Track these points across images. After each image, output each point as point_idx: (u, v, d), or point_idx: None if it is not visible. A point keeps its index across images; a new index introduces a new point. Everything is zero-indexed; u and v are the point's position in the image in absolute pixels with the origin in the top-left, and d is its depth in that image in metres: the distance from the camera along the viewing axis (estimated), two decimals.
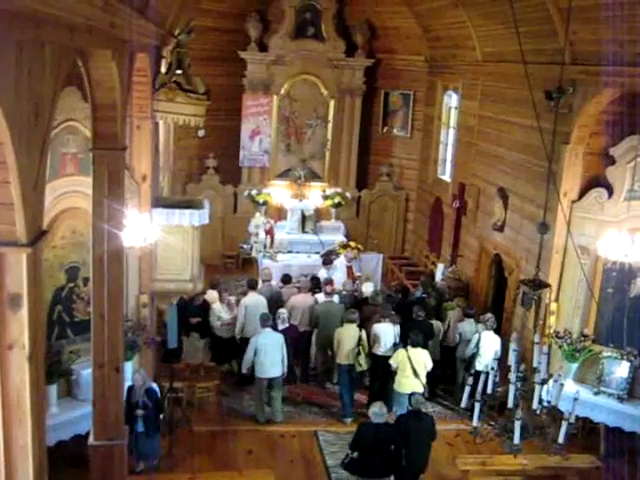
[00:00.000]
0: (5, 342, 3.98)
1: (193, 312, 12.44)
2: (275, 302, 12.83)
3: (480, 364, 11.48)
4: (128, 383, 9.76)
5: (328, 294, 12.96)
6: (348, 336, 11.67)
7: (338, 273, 14.88)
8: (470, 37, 14.91)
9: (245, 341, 11.84)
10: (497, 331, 12.02)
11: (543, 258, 11.00)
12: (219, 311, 12.69)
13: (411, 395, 10.17)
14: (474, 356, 11.71)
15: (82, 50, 5.77)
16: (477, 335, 11.72)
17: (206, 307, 12.68)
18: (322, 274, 14.48)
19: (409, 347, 11.16)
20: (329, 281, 13.50)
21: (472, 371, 11.43)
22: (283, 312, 12.15)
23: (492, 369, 7.05)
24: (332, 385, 12.77)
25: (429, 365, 11.22)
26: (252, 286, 12.97)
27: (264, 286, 13.42)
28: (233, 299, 13.11)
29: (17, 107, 3.56)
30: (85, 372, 9.28)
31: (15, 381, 4.04)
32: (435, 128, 18.31)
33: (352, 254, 15.90)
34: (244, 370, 11.51)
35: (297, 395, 12.45)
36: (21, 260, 3.91)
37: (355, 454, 9.02)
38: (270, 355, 11.20)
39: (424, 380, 11.16)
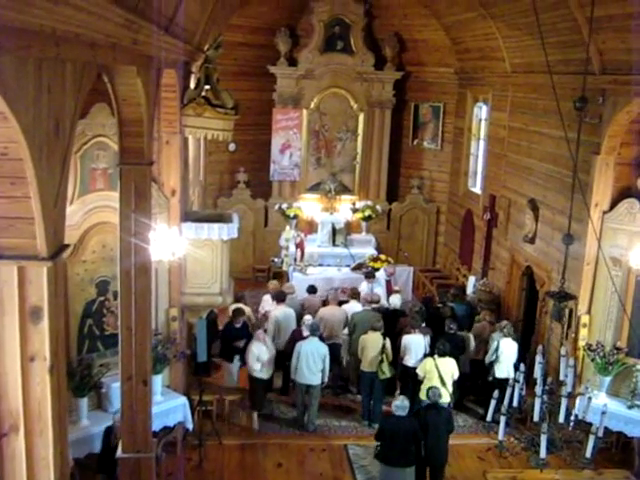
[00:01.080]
0: (26, 354, 4.04)
1: (236, 335, 12.09)
2: (299, 314, 13.02)
3: (500, 371, 11.57)
4: (157, 397, 9.85)
5: (368, 302, 13.25)
6: (372, 344, 11.76)
7: (379, 287, 14.90)
8: (499, 48, 14.86)
9: (279, 354, 12.14)
10: (528, 344, 11.91)
11: (574, 270, 10.95)
12: (258, 351, 11.53)
13: (429, 388, 10.24)
14: (493, 364, 11.69)
15: (107, 66, 5.86)
16: (496, 343, 11.68)
17: (248, 328, 12.38)
18: (364, 287, 14.54)
19: (436, 356, 11.16)
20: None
21: (491, 378, 11.45)
22: (308, 319, 12.29)
23: (517, 382, 6.98)
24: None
25: (456, 374, 11.22)
26: (281, 299, 13.00)
27: (288, 299, 13.43)
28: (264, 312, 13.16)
29: (36, 123, 3.62)
30: (115, 385, 9.34)
31: (36, 392, 4.09)
32: (465, 140, 18.25)
33: (391, 269, 15.93)
34: (292, 376, 11.75)
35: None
36: (42, 273, 3.97)
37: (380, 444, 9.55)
38: (311, 363, 11.43)
39: (451, 389, 11.13)
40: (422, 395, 11.06)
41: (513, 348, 11.73)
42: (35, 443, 4.11)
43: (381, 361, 11.64)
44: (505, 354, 11.64)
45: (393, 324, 12.81)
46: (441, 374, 10.98)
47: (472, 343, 12.41)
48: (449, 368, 11.11)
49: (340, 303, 13.78)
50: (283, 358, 12.24)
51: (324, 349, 11.58)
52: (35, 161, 3.61)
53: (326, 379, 11.77)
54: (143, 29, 5.63)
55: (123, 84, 6.53)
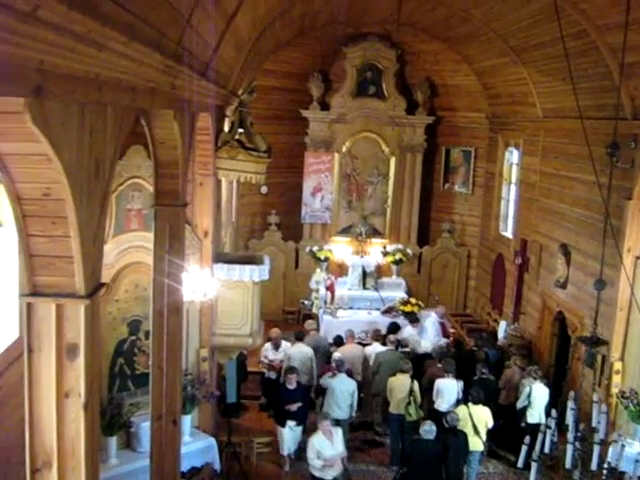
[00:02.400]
0: (62, 390, 4.11)
1: (289, 397, 11.43)
2: (323, 351, 13.34)
3: (532, 417, 11.44)
4: (186, 437, 9.85)
5: (392, 342, 13.27)
6: (400, 386, 11.80)
7: (429, 331, 14.87)
8: (530, 93, 14.94)
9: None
10: (559, 390, 11.75)
11: (607, 315, 10.84)
12: (320, 446, 10.08)
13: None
14: (525, 409, 11.53)
15: (145, 110, 6.02)
16: (528, 388, 11.54)
17: (303, 391, 11.78)
18: (408, 331, 14.57)
19: (470, 404, 11.01)
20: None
21: (523, 424, 11.30)
22: (337, 355, 12.51)
23: (549, 428, 6.90)
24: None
25: (490, 423, 11.04)
26: (299, 338, 13.26)
27: (309, 336, 13.65)
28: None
29: (78, 165, 3.74)
30: (144, 424, 9.37)
31: (70, 429, 4.15)
32: (496, 184, 18.25)
33: (442, 309, 15.86)
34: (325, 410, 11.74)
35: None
36: (79, 311, 4.06)
37: (404, 469, 9.97)
38: (340, 398, 11.62)
39: (484, 437, 10.96)
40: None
41: (545, 393, 11.60)
42: (68, 479, 4.16)
43: (408, 403, 11.61)
44: (537, 399, 11.50)
45: (420, 367, 12.77)
46: (474, 422, 10.84)
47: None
48: (483, 416, 10.97)
49: (363, 346, 13.87)
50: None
51: (352, 385, 11.78)
52: (76, 201, 3.72)
53: (354, 414, 11.97)
54: (181, 74, 5.79)
55: (160, 127, 6.68)
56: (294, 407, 11.34)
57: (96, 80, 3.77)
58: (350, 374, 12.22)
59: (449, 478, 10.04)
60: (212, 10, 6.50)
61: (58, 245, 3.87)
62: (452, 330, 15.57)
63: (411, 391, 11.67)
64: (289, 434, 11.49)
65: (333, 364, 12.29)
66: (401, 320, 15.76)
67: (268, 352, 13.28)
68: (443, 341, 14.28)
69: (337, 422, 11.57)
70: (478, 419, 10.88)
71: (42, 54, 2.87)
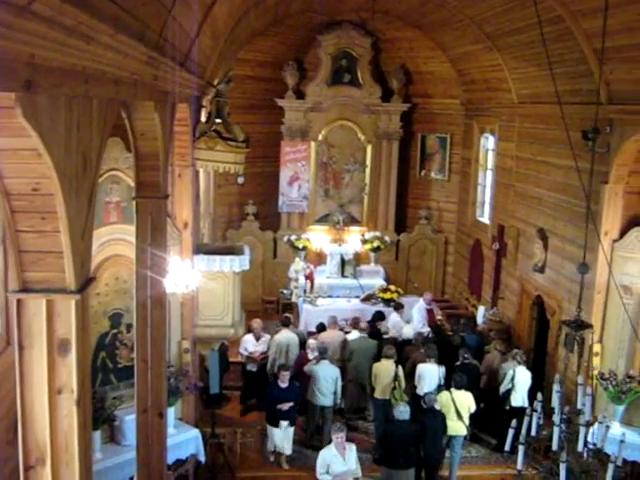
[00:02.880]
0: (54, 387, 4.08)
1: (280, 395, 11.15)
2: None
3: (516, 400, 11.60)
4: (170, 429, 9.82)
5: (363, 330, 13.36)
6: (385, 371, 11.91)
7: (415, 317, 14.99)
8: (505, 79, 15.01)
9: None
10: (541, 373, 11.89)
11: (585, 299, 10.92)
12: (330, 459, 9.60)
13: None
14: (509, 392, 11.67)
15: (126, 102, 5.97)
16: (511, 371, 11.66)
17: (296, 389, 11.46)
18: (393, 318, 14.69)
19: (453, 389, 11.12)
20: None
21: (507, 408, 11.43)
22: (312, 342, 12.66)
23: (535, 411, 6.98)
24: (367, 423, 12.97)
25: (473, 407, 11.15)
26: (285, 324, 13.38)
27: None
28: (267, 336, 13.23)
29: (67, 159, 3.71)
30: (128, 418, 9.35)
31: (63, 425, 4.12)
32: (473, 170, 18.34)
33: (430, 296, 15.97)
34: (308, 397, 11.92)
35: None
36: (70, 307, 4.03)
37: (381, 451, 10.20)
38: (323, 385, 11.71)
39: (467, 422, 11.07)
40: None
41: (527, 376, 11.74)
42: (61, 475, 4.14)
43: (394, 388, 11.73)
44: (520, 382, 11.63)
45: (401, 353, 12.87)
46: (457, 407, 10.93)
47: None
48: (465, 401, 11.06)
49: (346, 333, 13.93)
50: None
51: (336, 371, 11.90)
52: (65, 196, 3.69)
53: (339, 401, 12.08)
54: (162, 65, 5.75)
55: (141, 119, 6.62)
56: (285, 407, 11.11)
57: (82, 73, 3.73)
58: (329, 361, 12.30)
59: (427, 458, 10.34)
60: (192, 0, 6.45)
61: (48, 240, 3.84)
62: (439, 317, 15.64)
63: (396, 376, 11.81)
64: (280, 434, 11.24)
65: (308, 351, 12.47)
66: (382, 307, 15.89)
67: (248, 344, 13.17)
68: (426, 329, 14.35)
69: (323, 409, 11.77)
70: (461, 404, 10.97)
71: (33, 48, 2.84)
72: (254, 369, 13.07)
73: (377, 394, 12.00)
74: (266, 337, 13.26)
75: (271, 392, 11.33)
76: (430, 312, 15.55)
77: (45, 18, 2.70)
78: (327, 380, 11.74)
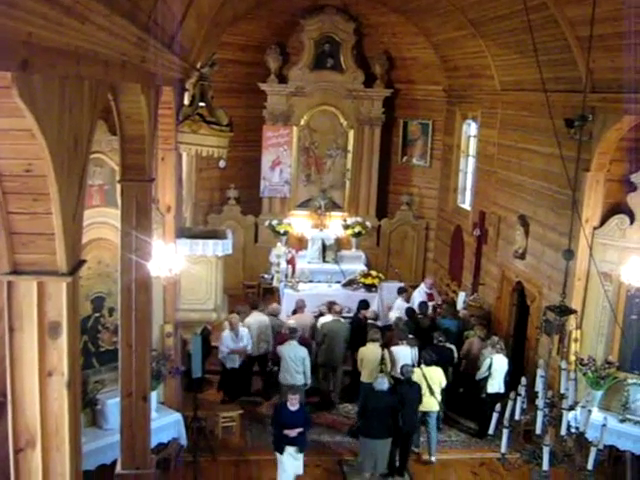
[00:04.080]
0: (45, 369, 4.07)
1: (289, 420, 10.03)
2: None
3: (492, 387, 11.81)
4: (152, 413, 9.81)
5: (337, 313, 13.59)
6: (371, 355, 12.08)
7: (416, 302, 15.04)
8: (488, 66, 15.04)
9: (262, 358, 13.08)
10: (520, 358, 12.03)
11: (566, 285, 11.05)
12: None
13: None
14: (486, 379, 11.84)
15: (113, 84, 5.92)
16: (489, 359, 11.80)
17: (306, 413, 10.55)
18: (399, 303, 14.81)
19: (423, 365, 11.44)
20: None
21: (484, 395, 11.60)
22: (292, 323, 12.94)
23: (519, 395, 7.06)
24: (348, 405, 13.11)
25: (444, 382, 11.49)
26: (254, 307, 13.70)
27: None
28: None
29: (59, 140, 3.68)
30: (110, 402, 9.35)
31: (54, 408, 4.12)
32: (454, 157, 18.39)
33: (431, 280, 16.20)
34: (279, 378, 12.16)
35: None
36: (61, 289, 4.01)
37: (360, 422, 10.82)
38: (292, 365, 11.94)
39: (439, 398, 11.38)
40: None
41: (504, 363, 11.90)
42: (52, 458, 4.13)
43: (380, 371, 11.79)
44: (497, 370, 11.79)
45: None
46: (429, 383, 11.23)
47: (455, 355, 12.65)
48: (436, 377, 11.36)
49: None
50: (262, 363, 13.26)
51: (302, 351, 12.07)
52: (58, 178, 3.66)
53: (309, 381, 12.19)
54: (150, 47, 5.70)
55: (127, 101, 6.59)
56: (294, 433, 9.96)
57: (75, 53, 3.69)
58: (303, 342, 12.56)
59: (405, 425, 10.75)
60: None
61: (40, 222, 3.81)
62: (438, 301, 15.77)
63: (382, 359, 11.98)
64: (289, 462, 10.08)
65: (285, 331, 12.75)
66: (363, 292, 15.99)
67: (228, 341, 12.65)
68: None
69: (292, 387, 11.74)
70: (432, 380, 11.28)
71: (32, 27, 2.81)
72: (236, 365, 12.69)
73: (364, 378, 12.07)
74: (244, 330, 12.90)
75: (279, 416, 10.22)
76: (430, 296, 15.69)
77: None
78: (295, 360, 11.93)
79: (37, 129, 3.30)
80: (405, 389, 10.91)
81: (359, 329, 13.34)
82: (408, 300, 15.08)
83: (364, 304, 14.25)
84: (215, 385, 13.26)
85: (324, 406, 13.03)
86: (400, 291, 15.24)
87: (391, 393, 10.75)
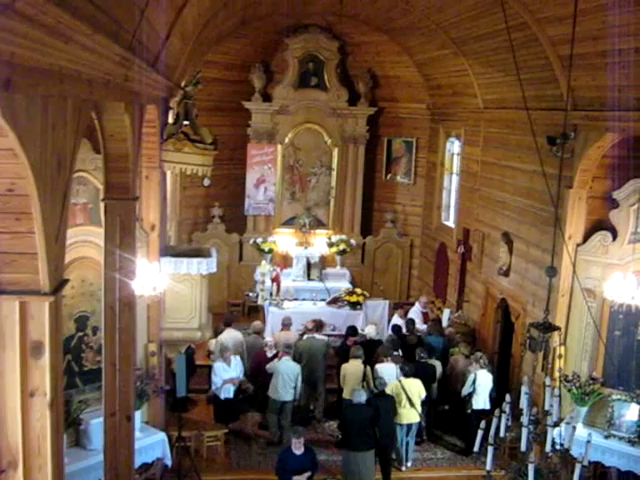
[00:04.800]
0: (27, 389, 4.03)
1: (296, 465, 9.74)
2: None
3: (477, 403, 11.87)
4: (136, 433, 9.74)
5: (310, 331, 13.67)
6: (353, 371, 12.14)
7: (416, 321, 15.02)
8: (471, 85, 15.16)
9: None
10: (504, 375, 12.06)
11: (549, 302, 11.10)
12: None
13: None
14: (471, 395, 11.89)
15: (97, 103, 5.92)
16: (473, 375, 11.84)
17: (313, 456, 10.12)
18: (395, 320, 14.90)
19: (402, 377, 11.55)
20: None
21: (469, 411, 11.63)
22: (269, 340, 13.20)
23: (504, 412, 7.06)
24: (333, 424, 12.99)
25: (423, 394, 11.61)
26: (227, 323, 13.68)
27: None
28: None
29: (42, 160, 3.67)
30: (94, 421, 9.27)
31: (36, 428, 4.08)
32: (438, 174, 18.47)
33: (426, 298, 16.27)
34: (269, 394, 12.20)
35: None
36: (44, 309, 3.99)
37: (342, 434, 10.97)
38: (286, 381, 12.05)
39: (420, 409, 11.52)
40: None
41: (488, 379, 11.94)
42: (34, 479, 4.09)
43: (362, 388, 11.75)
44: (482, 386, 11.83)
45: (370, 354, 12.91)
46: (408, 395, 11.36)
47: (439, 370, 12.72)
48: (415, 388, 11.49)
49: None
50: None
51: (297, 368, 12.22)
52: (40, 197, 3.65)
53: (298, 396, 12.35)
54: (134, 66, 5.71)
55: (111, 120, 6.58)
56: (303, 478, 9.78)
57: (59, 73, 3.70)
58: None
59: (382, 437, 10.96)
60: (165, 1, 6.43)
61: (22, 242, 3.79)
62: (433, 316, 15.91)
63: (364, 376, 12.01)
64: None
65: (266, 349, 12.90)
66: (347, 310, 16.00)
67: (221, 372, 12.21)
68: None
69: (283, 404, 12.10)
70: (411, 391, 11.42)
71: (14, 47, 2.81)
72: (230, 395, 12.30)
73: (345, 394, 12.07)
74: (236, 359, 12.52)
75: (285, 462, 9.89)
76: (425, 315, 15.75)
77: (28, 17, 2.67)
78: (289, 376, 12.04)
79: (19, 148, 3.30)
80: (380, 401, 11.09)
81: (346, 355, 12.95)
82: (405, 315, 15.09)
83: (352, 331, 14.03)
84: (200, 404, 13.20)
85: (304, 422, 12.93)
86: (396, 307, 15.29)
87: (368, 405, 10.89)
